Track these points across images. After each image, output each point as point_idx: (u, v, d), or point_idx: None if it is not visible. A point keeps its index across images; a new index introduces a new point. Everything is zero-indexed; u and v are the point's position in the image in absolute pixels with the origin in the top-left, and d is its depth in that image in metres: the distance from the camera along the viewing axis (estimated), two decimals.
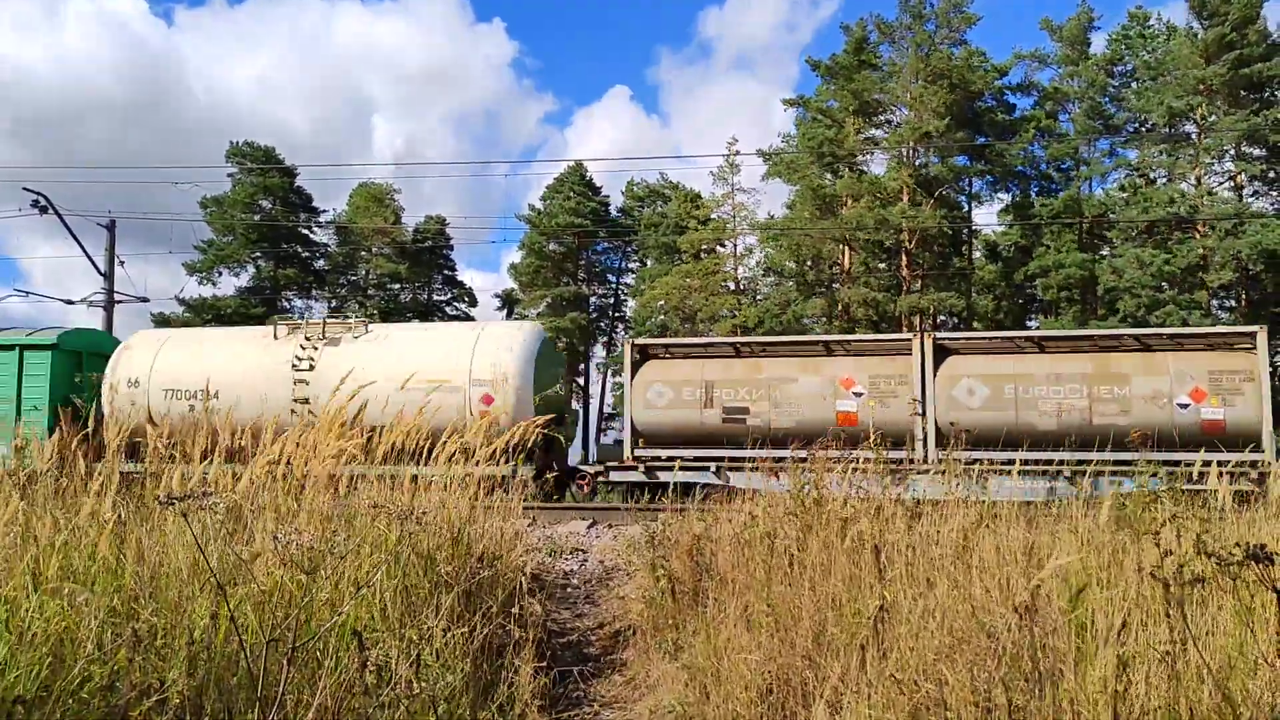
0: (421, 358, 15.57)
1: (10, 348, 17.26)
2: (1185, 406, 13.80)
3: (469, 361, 15.74)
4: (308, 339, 16.63)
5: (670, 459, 14.56)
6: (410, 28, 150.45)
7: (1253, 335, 14.15)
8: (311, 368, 16.19)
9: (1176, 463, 9.05)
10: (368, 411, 15.37)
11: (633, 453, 15.75)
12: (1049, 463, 11.01)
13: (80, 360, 17.81)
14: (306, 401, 15.88)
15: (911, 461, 13.17)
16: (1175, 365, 14.05)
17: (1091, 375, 14.23)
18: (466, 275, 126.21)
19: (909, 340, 15.35)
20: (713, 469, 14.87)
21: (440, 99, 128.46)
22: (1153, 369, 14.11)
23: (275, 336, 17.00)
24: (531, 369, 15.79)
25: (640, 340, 17.24)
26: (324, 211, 53.84)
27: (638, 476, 15.41)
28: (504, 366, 15.67)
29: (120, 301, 28.72)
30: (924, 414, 14.48)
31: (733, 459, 13.97)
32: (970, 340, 16.16)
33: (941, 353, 15.01)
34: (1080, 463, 8.98)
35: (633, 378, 16.20)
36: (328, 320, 17.28)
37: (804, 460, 7.22)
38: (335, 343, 16.54)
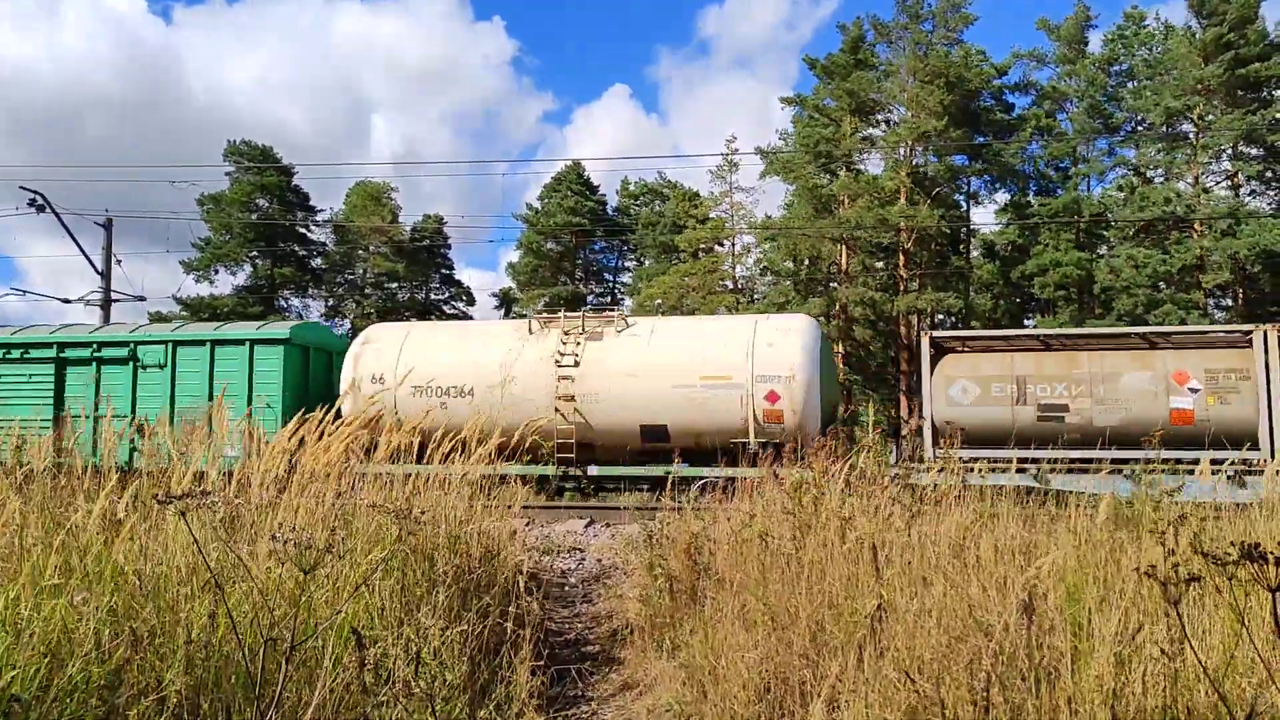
0: (694, 353, 15.05)
1: (240, 342, 16.65)
2: None
3: (748, 357, 14.87)
4: (567, 334, 15.93)
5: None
6: (410, 26, 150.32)
7: None
8: (576, 364, 15.44)
9: None
10: (641, 409, 15.12)
11: (934, 453, 14.50)
12: None
13: (308, 355, 17.17)
14: (572, 399, 15.23)
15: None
16: None
17: None
18: (465, 274, 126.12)
19: (1249, 332, 14.42)
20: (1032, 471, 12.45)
21: (440, 97, 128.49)
22: None
23: (530, 331, 16.34)
24: (817, 365, 14.97)
25: (937, 334, 16.57)
26: (321, 210, 53.86)
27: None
28: (790, 361, 14.76)
29: (117, 300, 28.74)
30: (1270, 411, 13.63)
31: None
32: None
33: None
34: None
35: (931, 373, 15.32)
36: (587, 313, 16.61)
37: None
38: (598, 337, 15.81)
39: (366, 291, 54.16)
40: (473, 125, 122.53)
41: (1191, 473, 7.77)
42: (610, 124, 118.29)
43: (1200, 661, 3.26)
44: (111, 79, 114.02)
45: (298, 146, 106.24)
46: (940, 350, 15.76)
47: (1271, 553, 2.18)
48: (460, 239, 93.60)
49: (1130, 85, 41.24)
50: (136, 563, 4.35)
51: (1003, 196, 44.22)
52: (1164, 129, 38.54)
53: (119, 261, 28.72)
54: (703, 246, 46.36)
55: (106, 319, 27.96)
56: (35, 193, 27.13)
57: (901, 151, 40.10)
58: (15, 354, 17.24)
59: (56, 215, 27.44)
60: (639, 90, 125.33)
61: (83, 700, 3.59)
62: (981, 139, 40.71)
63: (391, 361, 16.08)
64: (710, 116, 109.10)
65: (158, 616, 4.03)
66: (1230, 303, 38.03)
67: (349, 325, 52.55)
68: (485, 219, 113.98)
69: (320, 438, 6.41)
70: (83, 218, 29.90)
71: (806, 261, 43.20)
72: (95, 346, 17.12)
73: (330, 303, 53.56)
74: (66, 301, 29.39)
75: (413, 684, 4.00)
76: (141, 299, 30.34)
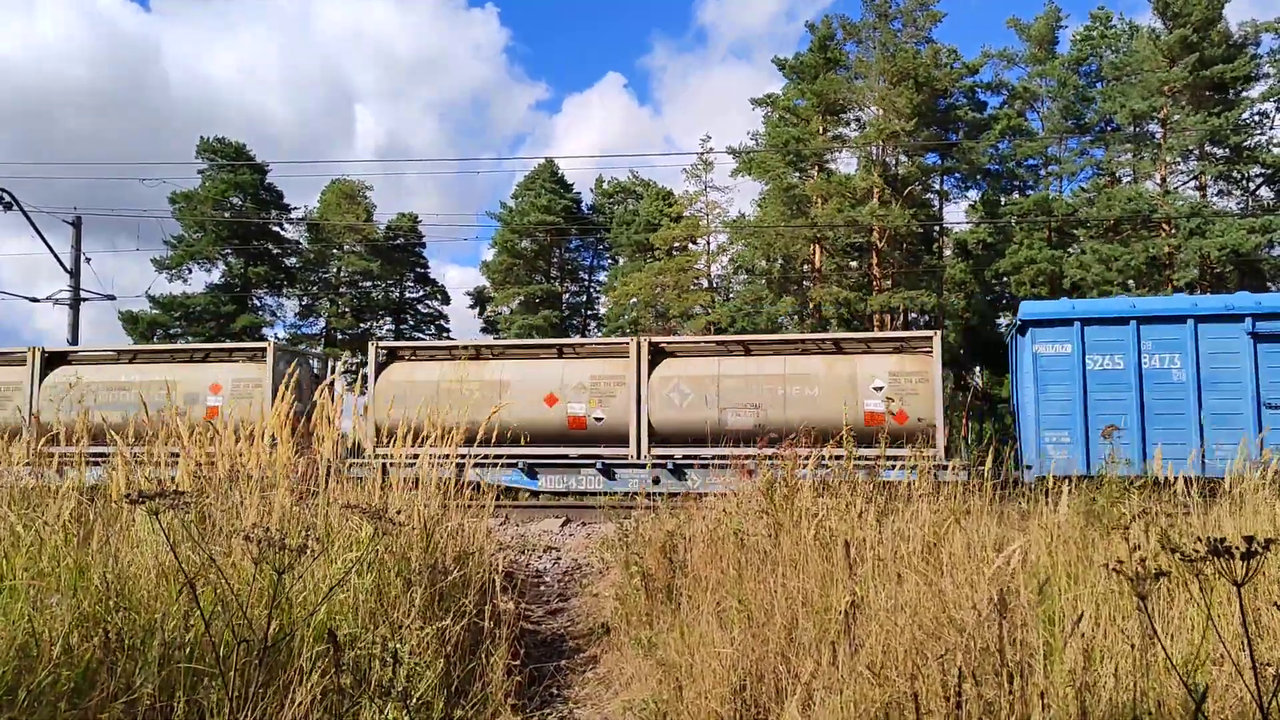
0: None
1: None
2: None
3: None
4: None
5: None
6: (400, 13, 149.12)
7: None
8: None
9: None
10: None
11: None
12: None
13: None
14: None
15: None
16: None
17: None
18: (448, 271, 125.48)
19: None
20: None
21: (428, 87, 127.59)
22: None
23: None
24: None
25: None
26: (295, 208, 53.49)
27: None
28: None
29: (86, 299, 28.39)
30: None
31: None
32: None
33: None
34: None
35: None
36: None
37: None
38: None
39: (341, 290, 53.84)
40: (461, 115, 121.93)
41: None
42: (602, 113, 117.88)
43: (1169, 654, 3.31)
44: (87, 70, 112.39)
45: (280, 138, 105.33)
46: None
47: (1237, 548, 2.21)
48: (441, 235, 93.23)
49: (1099, 86, 41.66)
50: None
51: (974, 194, 44.60)
52: (1131, 130, 38.97)
53: (88, 260, 28.40)
54: (676, 245, 46.42)
55: (75, 319, 27.64)
56: (3, 190, 26.77)
57: (873, 151, 40.29)
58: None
59: (24, 213, 27.08)
60: (633, 80, 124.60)
61: (52, 704, 3.55)
62: (952, 138, 41.00)
63: None
64: (706, 107, 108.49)
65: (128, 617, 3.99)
66: None
67: (323, 324, 52.27)
68: (468, 215, 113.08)
69: None
70: (53, 215, 29.48)
71: (780, 261, 43.36)
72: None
73: (304, 302, 53.19)
74: (35, 300, 29.03)
75: (389, 684, 3.98)
76: (111, 297, 30.02)
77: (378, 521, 4.43)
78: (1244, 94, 38.09)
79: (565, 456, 15.97)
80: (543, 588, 8.75)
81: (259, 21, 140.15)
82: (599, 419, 15.94)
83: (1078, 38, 42.97)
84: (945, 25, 49.20)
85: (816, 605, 4.89)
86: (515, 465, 15.65)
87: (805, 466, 7.00)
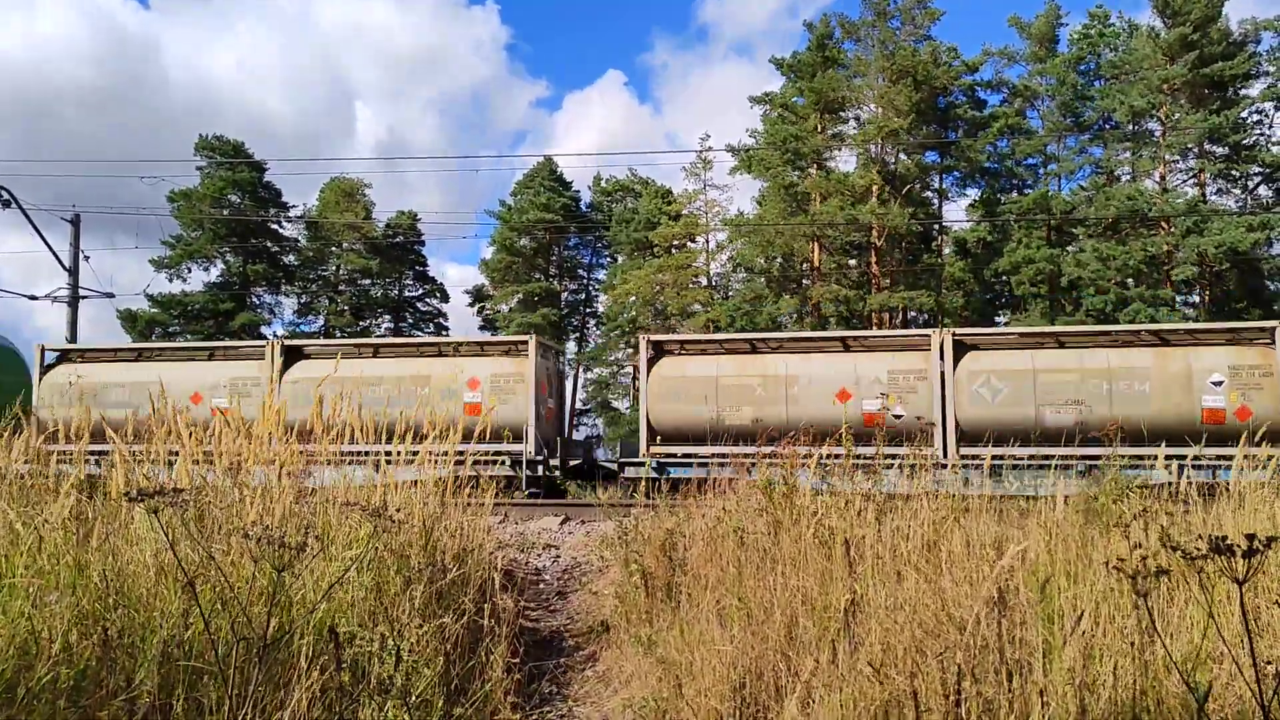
0: None
1: None
2: None
3: None
4: None
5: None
6: (400, 10, 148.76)
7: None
8: None
9: None
10: None
11: None
12: None
13: None
14: None
15: None
16: None
17: None
18: (448, 268, 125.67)
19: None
20: None
21: (428, 84, 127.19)
22: None
23: None
24: None
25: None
26: (294, 206, 53.46)
27: None
28: None
29: (85, 297, 28.36)
30: None
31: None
32: None
33: None
34: None
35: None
36: None
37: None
38: None
39: (340, 288, 53.82)
40: (461, 112, 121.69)
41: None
42: (602, 110, 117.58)
43: (1169, 651, 3.31)
44: (86, 67, 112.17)
45: (280, 135, 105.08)
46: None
47: (1238, 546, 2.21)
48: (440, 233, 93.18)
49: (1098, 84, 41.66)
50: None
51: (973, 193, 44.63)
52: (1130, 128, 38.98)
53: (87, 258, 28.36)
54: (675, 243, 46.42)
55: (74, 317, 27.61)
56: (1, 187, 26.73)
57: (872, 149, 40.30)
58: None
59: (23, 211, 27.05)
60: (633, 77, 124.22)
61: (51, 702, 3.55)
62: (952, 136, 41.00)
63: None
64: (706, 105, 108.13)
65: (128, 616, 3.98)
66: (1198, 299, 38.54)
67: (322, 322, 52.24)
68: (468, 212, 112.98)
69: None
70: (51, 213, 29.44)
71: (779, 259, 43.37)
72: None
73: (303, 300, 53.19)
74: (33, 298, 28.99)
75: (389, 682, 3.98)
76: (110, 295, 29.97)
77: (377, 520, 4.42)
78: (1243, 92, 38.10)
79: (861, 456, 14.60)
80: (542, 586, 8.75)
81: (259, 19, 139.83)
82: (898, 415, 14.91)
83: (1076, 36, 42.99)
84: (947, 24, 49.39)
85: (817, 603, 4.89)
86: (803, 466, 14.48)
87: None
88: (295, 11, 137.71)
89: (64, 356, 18.66)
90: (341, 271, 53.87)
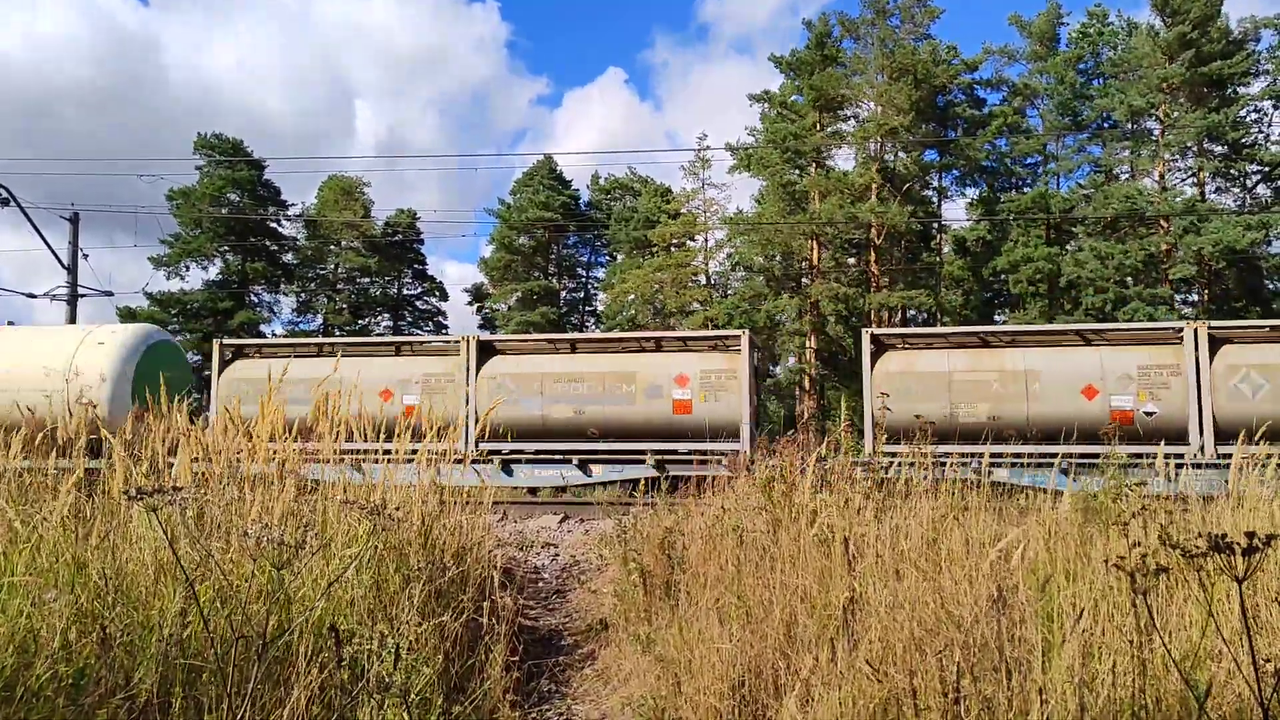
0: None
1: None
2: None
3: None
4: None
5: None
6: (400, 8, 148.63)
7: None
8: None
9: None
10: None
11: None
12: None
13: None
14: None
15: None
16: None
17: None
18: (448, 266, 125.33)
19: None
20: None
21: (429, 82, 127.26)
22: None
23: None
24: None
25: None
26: (293, 205, 53.42)
27: None
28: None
29: (84, 295, 28.35)
30: None
31: None
32: None
33: None
34: None
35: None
36: None
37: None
38: None
39: (339, 287, 53.79)
40: (461, 110, 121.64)
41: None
42: (603, 108, 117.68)
43: (1168, 650, 3.31)
44: (85, 66, 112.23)
45: (280, 134, 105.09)
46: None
47: (1238, 544, 2.21)
48: (439, 231, 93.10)
49: (1097, 83, 41.67)
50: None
51: (972, 192, 44.63)
52: (1129, 126, 38.99)
53: (85, 256, 28.36)
54: (674, 241, 46.42)
55: (73, 315, 27.58)
56: (0, 185, 26.71)
57: (871, 147, 40.30)
58: None
59: (21, 209, 27.02)
60: (634, 75, 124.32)
61: (50, 700, 3.54)
62: (951, 134, 41.00)
63: None
64: (707, 103, 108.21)
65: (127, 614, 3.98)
66: (1196, 298, 38.56)
67: (320, 320, 52.20)
68: (467, 211, 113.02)
69: None
70: (50, 211, 29.44)
71: (778, 257, 43.37)
72: None
73: (302, 298, 53.15)
74: (32, 296, 28.96)
75: (388, 680, 3.98)
76: (109, 294, 29.98)
77: (376, 518, 4.42)
78: (1242, 90, 38.08)
79: (1096, 456, 13.42)
80: (541, 584, 8.75)
81: (258, 17, 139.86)
82: (1150, 413, 14.23)
83: (1075, 35, 42.99)
84: (946, 23, 49.43)
85: (816, 601, 4.89)
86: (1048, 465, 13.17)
87: None
88: (295, 10, 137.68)
89: (240, 352, 18.62)
90: (340, 270, 53.85)
